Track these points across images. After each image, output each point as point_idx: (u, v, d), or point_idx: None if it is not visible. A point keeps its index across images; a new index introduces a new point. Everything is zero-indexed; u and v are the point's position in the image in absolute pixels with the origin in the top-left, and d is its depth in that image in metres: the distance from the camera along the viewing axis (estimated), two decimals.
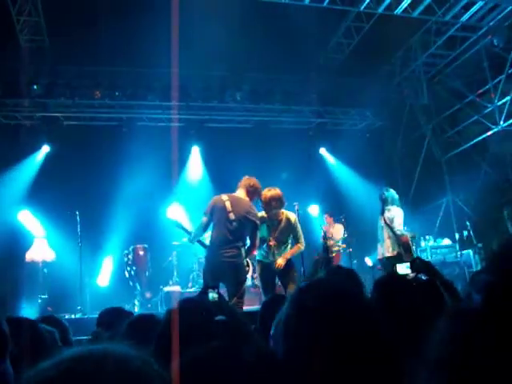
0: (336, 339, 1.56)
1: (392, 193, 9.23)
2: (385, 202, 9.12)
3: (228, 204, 6.77)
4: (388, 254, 8.82)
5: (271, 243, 7.40)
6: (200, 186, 13.51)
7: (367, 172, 13.93)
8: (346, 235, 10.81)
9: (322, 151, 14.83)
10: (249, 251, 6.97)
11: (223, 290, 6.58)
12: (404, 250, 8.67)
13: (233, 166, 12.14)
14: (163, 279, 11.31)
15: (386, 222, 8.90)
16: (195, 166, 13.86)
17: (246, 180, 7.12)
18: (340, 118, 14.67)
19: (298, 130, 14.39)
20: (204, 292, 4.14)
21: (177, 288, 10.86)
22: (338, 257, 11.15)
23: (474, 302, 1.18)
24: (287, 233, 7.55)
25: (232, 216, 6.71)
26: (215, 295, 3.98)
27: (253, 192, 7.06)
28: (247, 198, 6.99)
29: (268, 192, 7.18)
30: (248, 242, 6.99)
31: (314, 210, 11.88)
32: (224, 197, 6.91)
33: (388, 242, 8.90)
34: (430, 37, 12.48)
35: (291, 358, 1.62)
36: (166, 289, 10.79)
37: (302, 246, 7.63)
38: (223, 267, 6.63)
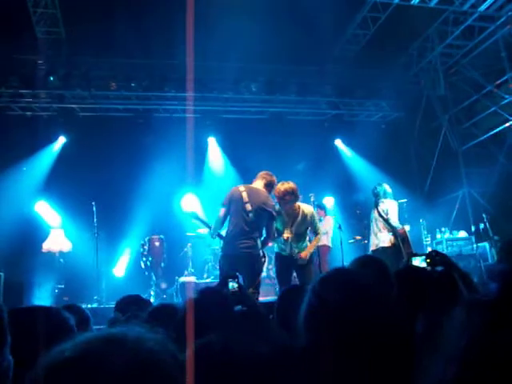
0: (356, 331, 1.56)
1: (384, 187, 9.35)
2: (377, 196, 9.19)
3: (245, 195, 6.79)
4: (384, 245, 8.84)
5: (286, 235, 7.37)
6: (216, 176, 13.56)
7: (383, 164, 13.86)
8: (339, 227, 10.60)
9: (338, 142, 14.78)
10: (265, 242, 7.01)
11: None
12: (401, 241, 8.72)
13: (248, 157, 12.18)
14: (178, 270, 11.35)
15: (380, 214, 8.94)
16: (214, 156, 13.91)
17: (264, 173, 7.18)
18: (356, 110, 14.60)
19: (314, 121, 14.34)
20: (224, 281, 4.16)
21: (192, 279, 10.90)
22: (325, 250, 10.90)
23: (490, 291, 1.17)
24: (304, 226, 7.48)
25: (249, 207, 6.72)
26: (235, 285, 3.99)
27: (270, 185, 7.09)
28: (264, 190, 7.02)
29: (282, 186, 7.09)
30: (264, 233, 7.00)
31: (329, 201, 11.87)
32: (241, 187, 6.94)
33: (384, 233, 8.93)
34: (448, 27, 12.35)
35: (312, 348, 1.63)
36: (182, 279, 10.82)
37: (320, 237, 7.65)
38: (240, 258, 6.62)
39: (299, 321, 1.70)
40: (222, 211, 6.88)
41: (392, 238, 8.78)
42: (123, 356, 0.97)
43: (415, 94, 14.32)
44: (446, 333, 1.15)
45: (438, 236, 12.43)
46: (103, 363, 0.95)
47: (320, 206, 11.35)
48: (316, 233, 7.57)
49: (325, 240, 10.77)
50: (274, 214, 6.94)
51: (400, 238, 8.73)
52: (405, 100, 14.48)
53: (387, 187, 9.33)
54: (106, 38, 10.98)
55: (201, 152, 13.49)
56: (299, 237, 7.46)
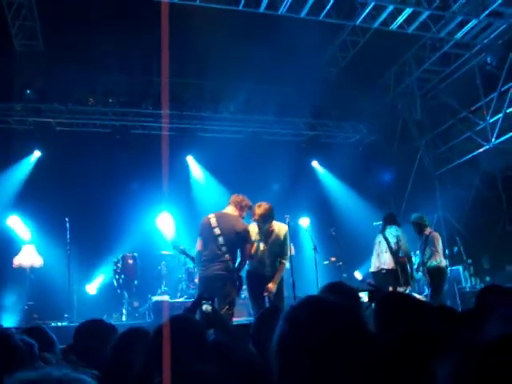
0: (329, 354, 1.54)
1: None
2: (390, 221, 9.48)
3: (213, 220, 7.02)
4: (385, 267, 9.04)
5: (262, 248, 7.45)
6: (191, 195, 13.49)
7: (359, 186, 13.96)
8: (314, 248, 10.59)
9: (315, 164, 14.84)
10: (242, 263, 7.14)
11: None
12: (401, 269, 8.92)
13: (224, 176, 12.16)
14: (152, 288, 11.23)
15: (386, 238, 9.09)
16: (193, 174, 13.89)
17: (235, 197, 7.35)
18: (333, 131, 14.69)
19: (291, 141, 14.37)
20: (198, 302, 4.12)
21: (165, 297, 10.80)
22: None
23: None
24: (278, 245, 7.59)
25: (217, 231, 6.93)
26: (209, 307, 3.95)
27: (242, 207, 7.25)
28: (236, 213, 7.19)
29: (258, 209, 7.31)
30: (239, 255, 7.13)
31: (304, 222, 11.85)
32: (210, 215, 7.17)
33: (386, 256, 9.10)
34: (425, 53, 12.55)
35: (285, 374, 1.61)
36: (155, 298, 10.72)
37: (286, 262, 7.67)
38: (212, 280, 6.79)
39: (272, 348, 1.68)
40: (199, 242, 7.12)
41: (393, 262, 8.99)
42: None
43: (392, 118, 14.47)
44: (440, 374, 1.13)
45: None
46: None
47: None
48: (282, 258, 7.60)
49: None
50: (245, 234, 7.06)
51: (400, 266, 8.97)
52: (382, 123, 14.62)
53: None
54: (85, 53, 10.93)
55: (177, 170, 13.40)
56: (273, 255, 7.53)
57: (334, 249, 11.91)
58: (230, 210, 7.24)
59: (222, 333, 3.83)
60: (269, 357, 1.76)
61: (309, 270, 10.89)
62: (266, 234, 7.50)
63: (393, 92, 13.96)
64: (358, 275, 12.14)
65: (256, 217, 7.28)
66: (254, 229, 7.42)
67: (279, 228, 7.61)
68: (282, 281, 7.75)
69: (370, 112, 14.17)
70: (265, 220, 7.33)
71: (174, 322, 2.61)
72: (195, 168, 13.85)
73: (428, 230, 9.53)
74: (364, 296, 3.46)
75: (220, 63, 11.39)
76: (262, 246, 7.48)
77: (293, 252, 9.38)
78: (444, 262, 9.38)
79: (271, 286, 7.39)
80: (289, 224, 8.74)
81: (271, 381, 1.72)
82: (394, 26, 10.78)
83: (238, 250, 7.10)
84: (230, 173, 12.30)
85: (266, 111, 13.37)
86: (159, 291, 11.14)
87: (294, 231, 10.42)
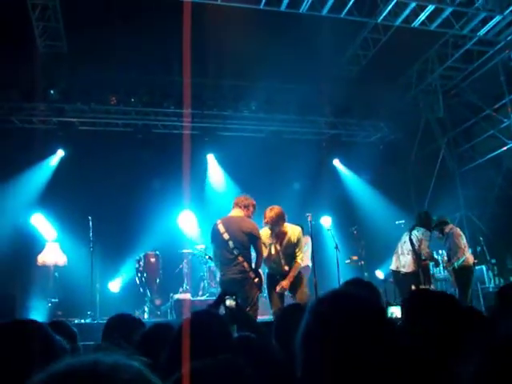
0: (352, 345, 1.54)
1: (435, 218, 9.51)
2: (421, 221, 9.34)
3: (221, 226, 7.16)
4: (405, 270, 8.99)
5: (274, 251, 7.63)
6: (216, 193, 13.53)
7: (381, 184, 13.89)
8: (336, 247, 10.56)
9: (336, 162, 14.79)
10: (257, 262, 7.27)
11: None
12: (423, 272, 8.86)
13: (247, 175, 12.18)
14: (174, 287, 11.28)
15: (410, 239, 9.01)
16: (213, 174, 13.90)
17: (238, 198, 7.53)
18: (354, 130, 14.64)
19: (312, 140, 14.34)
20: (221, 298, 4.13)
21: (187, 296, 10.83)
22: (305, 271, 10.87)
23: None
24: (291, 247, 7.75)
25: (226, 236, 7.07)
26: (233, 302, 3.96)
27: (247, 206, 7.39)
28: (242, 214, 7.33)
29: (270, 212, 7.47)
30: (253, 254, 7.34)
31: (326, 221, 11.82)
32: (218, 221, 7.31)
33: (409, 258, 9.03)
34: (447, 50, 12.43)
35: (310, 366, 1.61)
36: (176, 296, 10.76)
37: (300, 262, 7.76)
38: (231, 284, 6.88)
39: (296, 342, 1.68)
40: (213, 248, 7.39)
41: (415, 265, 8.92)
42: None
43: (414, 116, 14.35)
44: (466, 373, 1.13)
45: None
46: None
47: (300, 226, 11.32)
48: (295, 258, 7.72)
49: (306, 260, 10.78)
50: (255, 233, 7.20)
51: (422, 270, 8.90)
52: (403, 121, 14.51)
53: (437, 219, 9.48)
54: (107, 53, 11.00)
55: (199, 169, 13.46)
56: (288, 256, 7.71)
57: (356, 248, 11.83)
58: (236, 212, 7.37)
59: (246, 328, 3.85)
60: (291, 352, 1.76)
61: (331, 269, 10.88)
62: (278, 236, 7.67)
63: (415, 90, 13.86)
64: (380, 274, 12.06)
65: (267, 220, 7.44)
66: (266, 232, 7.59)
67: (292, 230, 7.76)
68: (304, 279, 7.90)
69: (391, 110, 14.07)
70: (276, 223, 7.48)
71: (197, 317, 2.62)
72: (215, 167, 13.87)
73: (449, 227, 9.43)
74: (397, 311, 3.44)
75: (240, 62, 11.40)
76: (273, 248, 7.64)
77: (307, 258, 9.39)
78: (471, 259, 9.23)
79: (285, 283, 7.52)
80: (311, 222, 8.88)
81: (294, 376, 1.73)
82: (416, 24, 10.70)
83: (252, 249, 7.24)
84: (251, 171, 12.31)
85: (287, 110, 13.37)
86: (181, 289, 11.19)
87: (315, 230, 10.42)
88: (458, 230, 9.49)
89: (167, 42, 9.89)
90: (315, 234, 10.26)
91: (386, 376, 1.52)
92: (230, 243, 7.02)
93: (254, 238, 7.20)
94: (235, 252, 7.01)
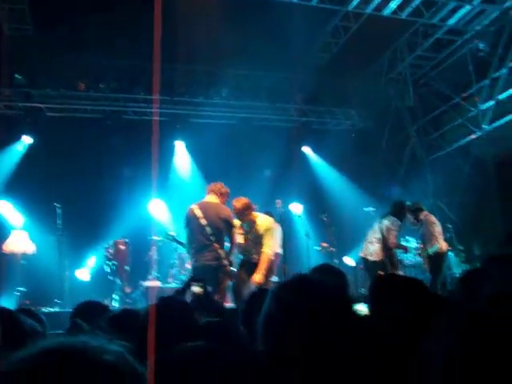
0: (313, 330, 1.54)
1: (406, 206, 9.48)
2: (394, 211, 9.37)
3: (198, 211, 7.22)
4: (372, 258, 9.06)
5: (243, 241, 7.84)
6: (184, 181, 13.43)
7: (351, 172, 13.98)
8: (307, 234, 10.72)
9: (306, 150, 14.82)
10: (230, 250, 7.38)
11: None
12: (389, 261, 8.97)
13: (217, 162, 12.14)
14: (143, 274, 11.22)
15: (380, 227, 9.09)
16: (181, 161, 13.75)
17: (213, 185, 7.61)
18: (325, 117, 14.66)
19: (282, 127, 14.31)
20: (188, 285, 4.11)
21: (157, 283, 10.80)
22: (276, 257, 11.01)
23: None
24: (259, 237, 7.86)
25: (204, 221, 7.13)
26: (199, 289, 3.94)
27: (222, 194, 7.51)
28: (218, 201, 7.42)
29: (237, 203, 7.59)
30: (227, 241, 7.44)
31: (296, 208, 11.85)
32: (193, 206, 7.37)
33: (377, 246, 9.09)
34: (417, 39, 12.51)
35: (272, 350, 1.61)
36: (146, 284, 10.72)
37: (267, 253, 7.79)
38: (204, 271, 6.92)
39: (258, 326, 1.67)
40: (187, 233, 7.40)
41: (382, 253, 8.98)
42: (82, 369, 0.94)
43: (384, 104, 14.44)
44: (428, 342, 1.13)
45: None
46: (60, 378, 0.92)
47: (269, 213, 11.37)
48: (262, 248, 7.80)
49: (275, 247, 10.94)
50: (231, 221, 7.32)
51: (388, 257, 8.99)
52: (374, 109, 14.60)
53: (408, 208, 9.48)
54: (76, 37, 10.82)
55: (169, 156, 13.37)
56: (257, 246, 7.85)
57: (326, 235, 11.91)
58: (212, 198, 7.43)
59: (213, 315, 3.85)
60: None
61: (301, 256, 10.94)
62: (249, 225, 7.83)
63: (385, 78, 13.92)
64: (349, 261, 12.14)
65: (234, 211, 7.56)
66: (236, 222, 7.69)
67: (261, 221, 7.90)
68: (274, 267, 8.17)
69: (362, 98, 14.15)
70: (242, 214, 7.62)
71: (163, 304, 2.62)
72: (185, 154, 13.71)
73: (424, 214, 9.52)
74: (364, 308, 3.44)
75: (212, 49, 11.30)
76: (242, 238, 7.82)
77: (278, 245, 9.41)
78: (444, 247, 9.33)
79: (258, 277, 7.54)
80: (280, 209, 8.97)
81: (259, 360, 1.73)
82: (386, 12, 10.74)
83: (226, 237, 7.32)
84: (222, 158, 12.31)
85: (258, 97, 13.34)
86: (150, 277, 11.13)
87: (286, 217, 10.45)
88: (433, 217, 9.59)
89: (137, 27, 9.73)
90: (285, 220, 10.30)
91: (356, 363, 1.52)
92: (208, 229, 7.06)
93: (231, 226, 7.31)
94: (212, 238, 7.06)
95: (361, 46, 12.12)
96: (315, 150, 14.72)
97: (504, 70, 11.13)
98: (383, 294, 2.75)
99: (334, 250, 11.54)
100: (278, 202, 9.28)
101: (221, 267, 7.08)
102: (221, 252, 7.12)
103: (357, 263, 11.48)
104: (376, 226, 9.40)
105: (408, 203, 9.76)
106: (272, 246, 7.91)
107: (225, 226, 7.21)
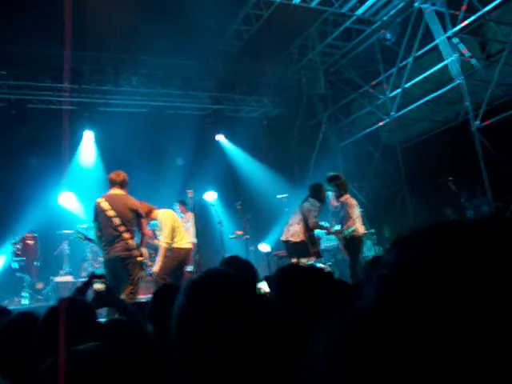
0: (225, 324, 1.55)
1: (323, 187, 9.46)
2: (311, 193, 9.40)
3: (105, 204, 7.12)
4: (293, 239, 9.15)
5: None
6: (93, 172, 13.06)
7: (265, 159, 14.09)
8: (220, 222, 10.90)
9: (220, 137, 14.80)
10: (141, 240, 7.37)
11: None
12: (310, 242, 9.06)
13: (127, 151, 11.89)
14: (55, 269, 10.90)
15: (301, 209, 9.18)
16: (88, 151, 13.32)
17: (115, 176, 7.46)
18: (238, 105, 14.66)
19: (196, 115, 14.22)
20: (89, 282, 4.02)
21: (69, 278, 10.54)
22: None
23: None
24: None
25: (111, 213, 7.03)
26: (101, 286, 3.85)
27: (124, 184, 7.43)
28: (123, 192, 7.36)
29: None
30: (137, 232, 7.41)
31: (210, 196, 11.85)
32: (100, 199, 7.26)
33: (297, 228, 9.19)
34: (328, 28, 12.70)
35: (185, 346, 1.61)
36: (57, 279, 10.43)
37: (161, 245, 8.07)
38: (115, 262, 6.93)
39: (172, 321, 1.67)
40: (96, 227, 7.30)
41: (302, 235, 9.07)
42: None
43: (296, 92, 14.63)
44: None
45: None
46: None
47: (182, 202, 11.39)
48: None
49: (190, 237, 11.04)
50: (139, 211, 7.30)
51: (309, 237, 9.08)
52: (286, 97, 14.77)
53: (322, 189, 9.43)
54: None
55: (78, 146, 12.97)
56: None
57: (241, 222, 11.97)
58: (116, 190, 7.34)
59: (119, 311, 3.81)
60: (167, 334, 1.76)
61: (216, 245, 10.96)
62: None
63: (297, 66, 14.09)
64: (265, 247, 12.25)
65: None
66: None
67: (160, 215, 8.18)
68: (185, 258, 8.38)
69: (274, 86, 14.27)
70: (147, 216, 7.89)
71: (61, 306, 2.58)
72: (92, 144, 13.28)
73: (345, 197, 9.67)
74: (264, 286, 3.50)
75: (122, 36, 11.02)
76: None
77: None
78: (361, 230, 9.51)
79: (155, 269, 8.01)
80: (192, 198, 9.07)
81: (169, 359, 1.73)
82: (296, 1, 10.82)
83: (135, 228, 7.26)
84: (134, 148, 12.05)
85: (170, 85, 13.12)
86: (62, 272, 10.84)
87: (199, 206, 10.45)
88: (354, 200, 9.70)
89: (43, 12, 9.36)
90: (199, 210, 10.30)
91: (264, 353, 1.53)
92: (116, 220, 6.97)
93: (140, 216, 7.26)
94: (120, 229, 6.97)
95: (272, 33, 12.18)
96: (229, 138, 14.73)
97: (410, 59, 11.48)
98: (286, 284, 2.78)
99: (248, 237, 11.62)
100: (190, 192, 9.35)
101: (131, 258, 7.01)
102: (131, 242, 7.04)
103: (272, 249, 11.61)
104: (297, 209, 9.50)
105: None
106: (165, 238, 8.02)
107: (133, 216, 7.16)
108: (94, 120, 12.86)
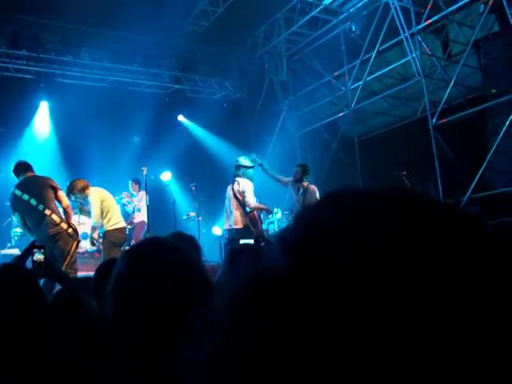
0: (159, 296, 1.53)
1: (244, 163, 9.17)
2: (237, 172, 9.06)
3: (17, 192, 7.04)
4: (236, 226, 8.96)
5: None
6: (47, 144, 12.76)
7: (223, 142, 14.05)
8: (173, 202, 10.94)
9: (180, 117, 14.69)
10: (66, 212, 7.29)
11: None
12: (252, 225, 8.88)
13: (84, 125, 11.69)
14: (2, 241, 10.62)
15: (234, 194, 8.92)
16: (43, 122, 13.00)
17: (20, 165, 7.42)
18: (199, 86, 14.57)
19: (157, 94, 14.06)
20: (28, 251, 3.92)
21: (15, 251, 10.25)
22: (141, 226, 11.19)
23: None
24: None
25: (26, 197, 6.96)
26: (40, 256, 3.77)
27: (31, 166, 7.42)
28: (31, 173, 7.36)
29: (78, 184, 7.98)
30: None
31: (165, 176, 11.75)
32: (13, 190, 7.17)
33: (237, 214, 8.99)
34: (294, 15, 12.68)
35: (118, 315, 1.59)
36: (3, 251, 10.16)
37: (94, 222, 8.10)
38: (45, 242, 6.58)
39: (107, 290, 1.64)
40: (17, 217, 7.26)
41: (243, 219, 8.86)
42: None
43: (258, 77, 14.61)
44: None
45: (270, 216, 12.80)
46: None
47: (135, 180, 11.34)
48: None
49: (141, 216, 11.06)
50: (51, 183, 7.23)
51: (250, 220, 8.88)
52: (248, 81, 14.74)
53: (249, 162, 9.20)
54: None
55: (32, 116, 12.65)
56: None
57: (194, 204, 11.94)
58: (24, 175, 7.29)
59: (59, 282, 3.76)
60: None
61: (168, 225, 10.89)
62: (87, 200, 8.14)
63: (261, 51, 14.04)
64: (217, 230, 12.24)
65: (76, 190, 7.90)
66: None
67: (92, 193, 8.09)
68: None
69: (237, 69, 14.21)
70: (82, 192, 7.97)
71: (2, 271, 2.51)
72: (47, 116, 12.98)
73: (306, 184, 9.68)
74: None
75: (85, 8, 10.77)
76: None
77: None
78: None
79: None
80: (145, 176, 8.99)
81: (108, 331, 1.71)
82: None
83: (56, 202, 7.22)
84: (90, 122, 11.81)
85: (132, 61, 12.90)
86: (9, 244, 10.56)
87: (153, 185, 10.38)
88: (315, 187, 9.77)
89: None
90: (154, 189, 10.22)
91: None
92: (32, 201, 6.90)
93: (55, 189, 7.20)
94: (40, 208, 6.90)
95: (239, 16, 12.09)
96: (189, 118, 14.63)
97: (373, 53, 11.57)
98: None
99: (201, 219, 11.60)
100: (144, 169, 9.29)
101: (60, 233, 6.93)
102: (55, 217, 6.96)
103: (223, 234, 11.60)
104: (230, 194, 9.20)
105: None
106: (93, 217, 8.01)
107: (49, 191, 7.11)
108: (51, 90, 12.50)
